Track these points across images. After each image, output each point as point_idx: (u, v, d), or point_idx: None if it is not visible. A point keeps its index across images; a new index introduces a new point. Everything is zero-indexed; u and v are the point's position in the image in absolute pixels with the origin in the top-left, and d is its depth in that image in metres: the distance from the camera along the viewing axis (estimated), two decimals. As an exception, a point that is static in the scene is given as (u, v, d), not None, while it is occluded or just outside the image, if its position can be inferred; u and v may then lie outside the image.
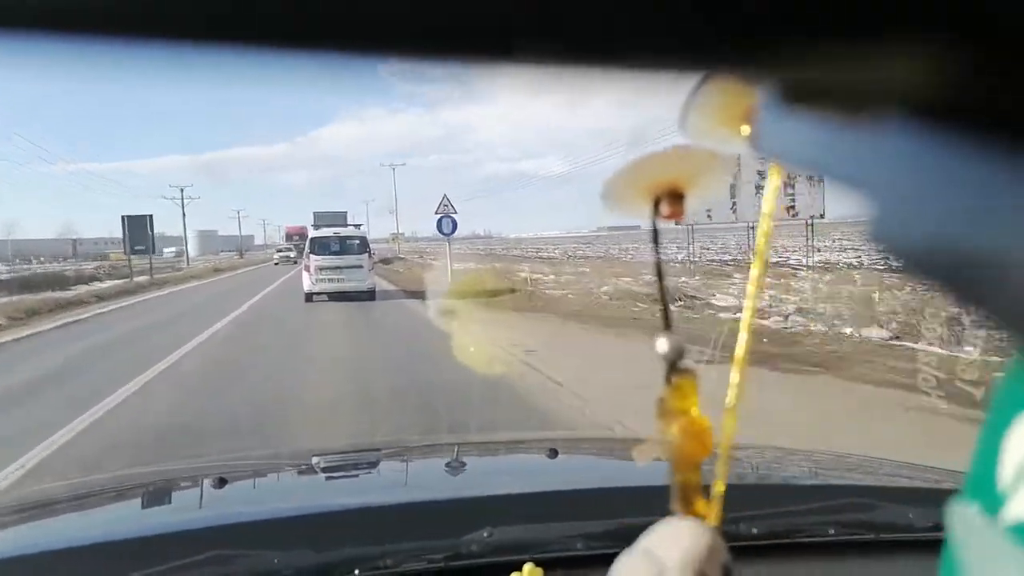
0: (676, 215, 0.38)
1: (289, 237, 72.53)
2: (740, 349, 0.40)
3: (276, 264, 53.21)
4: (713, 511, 0.41)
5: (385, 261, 47.50)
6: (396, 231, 73.64)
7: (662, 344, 0.38)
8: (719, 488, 0.41)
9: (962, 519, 0.24)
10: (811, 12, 0.20)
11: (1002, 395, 0.24)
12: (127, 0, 0.20)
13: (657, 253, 0.40)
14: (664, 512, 0.40)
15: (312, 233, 19.63)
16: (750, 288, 0.40)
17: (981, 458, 0.24)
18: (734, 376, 0.40)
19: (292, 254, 53.49)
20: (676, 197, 0.38)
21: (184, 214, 67.48)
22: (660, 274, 0.41)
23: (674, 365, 0.37)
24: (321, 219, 22.47)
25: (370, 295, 17.76)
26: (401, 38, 0.20)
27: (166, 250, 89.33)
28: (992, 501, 0.23)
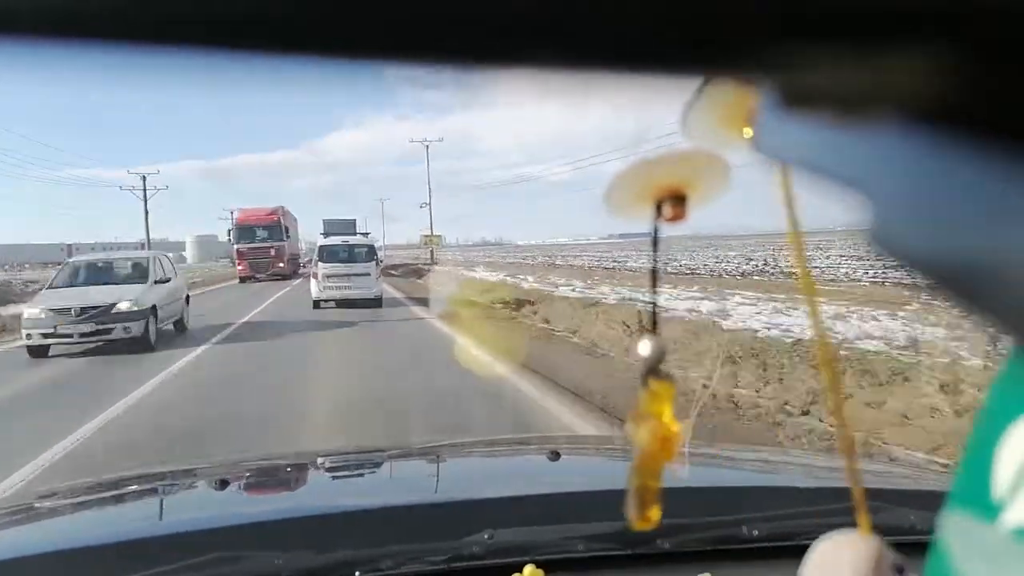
0: (678, 217, 0.38)
1: (243, 233, 34.88)
2: (825, 352, 0.40)
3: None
4: (862, 516, 0.39)
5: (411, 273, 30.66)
6: (430, 231, 45.84)
7: (644, 347, 0.37)
8: (857, 490, 0.40)
9: (958, 528, 0.24)
10: (812, 15, 0.20)
11: (996, 400, 0.24)
12: (141, 6, 0.20)
13: (655, 257, 0.40)
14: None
15: (321, 241, 19.50)
16: (810, 306, 0.40)
17: (971, 465, 0.24)
18: (825, 379, 0.40)
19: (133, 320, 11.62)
20: (678, 200, 0.38)
21: (147, 211, 45.31)
22: (655, 278, 0.41)
23: (653, 369, 0.37)
24: (331, 226, 22.30)
25: (377, 302, 17.75)
26: (408, 44, 0.21)
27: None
28: (988, 508, 0.23)
